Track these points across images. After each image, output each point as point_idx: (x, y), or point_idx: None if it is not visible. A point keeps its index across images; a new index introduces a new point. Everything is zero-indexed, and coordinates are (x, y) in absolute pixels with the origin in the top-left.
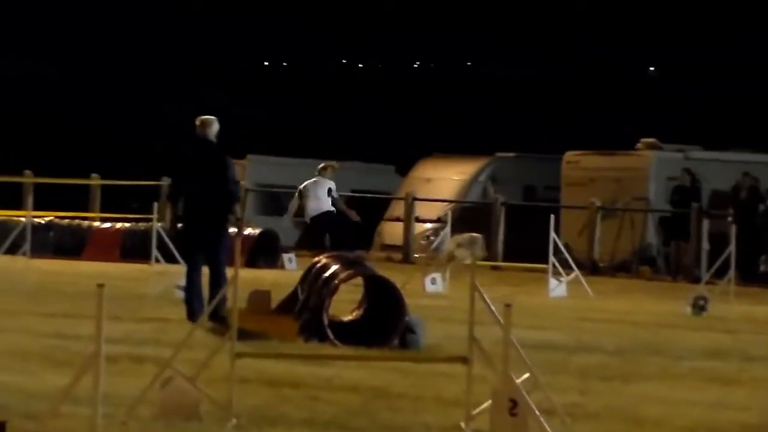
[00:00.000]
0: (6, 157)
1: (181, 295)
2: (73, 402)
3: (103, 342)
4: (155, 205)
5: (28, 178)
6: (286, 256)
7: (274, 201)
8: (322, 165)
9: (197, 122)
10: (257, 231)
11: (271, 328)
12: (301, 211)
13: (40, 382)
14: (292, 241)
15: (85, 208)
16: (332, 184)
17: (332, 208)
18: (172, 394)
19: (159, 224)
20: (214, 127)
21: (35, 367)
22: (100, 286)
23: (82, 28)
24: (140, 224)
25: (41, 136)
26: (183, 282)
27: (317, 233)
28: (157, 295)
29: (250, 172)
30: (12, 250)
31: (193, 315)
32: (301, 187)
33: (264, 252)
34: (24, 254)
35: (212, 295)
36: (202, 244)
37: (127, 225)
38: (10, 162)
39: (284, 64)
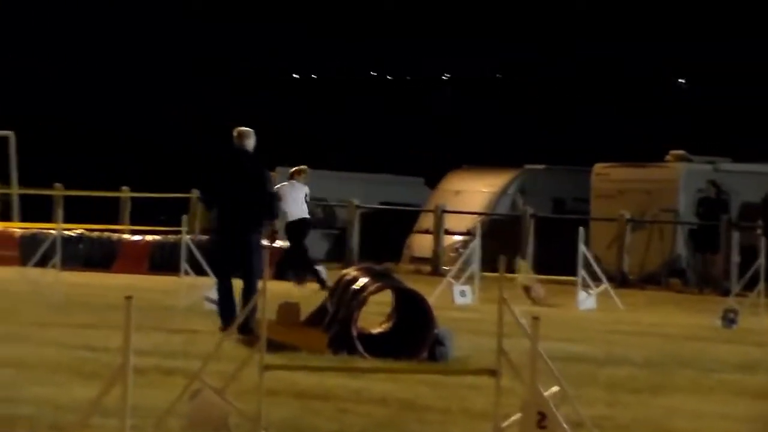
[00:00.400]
0: (36, 170)
1: (210, 307)
2: (102, 414)
3: (131, 354)
4: (184, 217)
5: (59, 191)
6: (316, 269)
7: None
8: (294, 169)
9: (234, 133)
10: (286, 243)
11: (301, 340)
12: None
13: (68, 394)
14: (321, 254)
15: (115, 221)
16: (307, 190)
17: (308, 216)
18: (200, 406)
19: (188, 237)
20: (252, 139)
21: (64, 378)
22: (128, 298)
23: (84, 30)
24: (169, 237)
25: (71, 148)
26: (212, 294)
27: (289, 238)
28: (186, 308)
29: (279, 184)
30: (42, 262)
31: (228, 321)
32: (277, 188)
33: (293, 264)
34: (54, 267)
35: (244, 308)
36: (235, 256)
37: (156, 237)
38: (40, 175)
39: (313, 75)
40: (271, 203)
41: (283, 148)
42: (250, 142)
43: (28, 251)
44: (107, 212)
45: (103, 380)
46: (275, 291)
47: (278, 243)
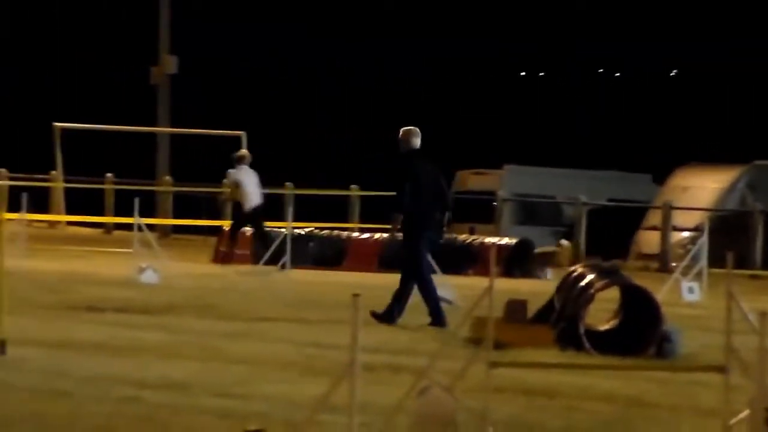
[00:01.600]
0: (269, 170)
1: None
2: (331, 411)
3: (359, 351)
4: None
5: (289, 190)
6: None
7: (530, 211)
8: (241, 154)
9: (405, 132)
10: (513, 240)
11: (528, 338)
12: (231, 198)
13: (299, 391)
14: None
15: (345, 219)
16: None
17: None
18: (428, 403)
19: None
20: (419, 137)
21: (295, 375)
22: (356, 296)
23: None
24: (398, 235)
25: (301, 147)
26: (441, 292)
27: (255, 222)
28: (413, 305)
29: (507, 181)
30: (273, 260)
31: (442, 320)
32: (239, 177)
33: (520, 261)
34: (284, 265)
35: (399, 299)
36: (429, 253)
37: (385, 235)
38: (272, 175)
39: (537, 72)
40: (449, 198)
41: (510, 146)
42: (418, 141)
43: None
44: (337, 211)
45: (332, 377)
46: (502, 288)
47: (504, 240)
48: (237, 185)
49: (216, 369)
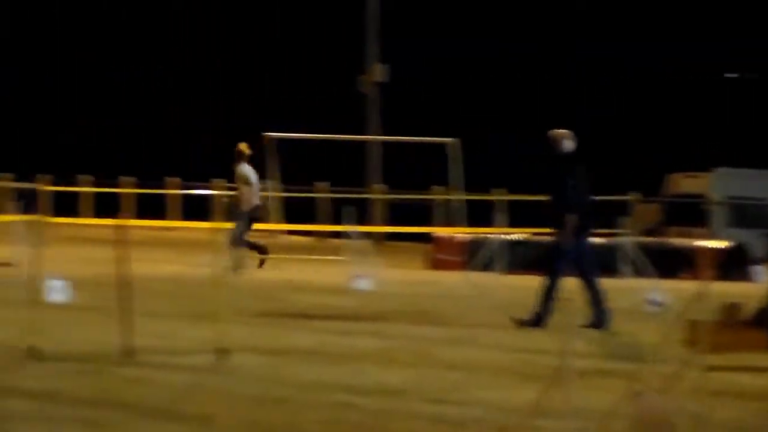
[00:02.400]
0: (476, 175)
1: (652, 309)
2: (545, 416)
3: (570, 356)
4: (625, 219)
5: (500, 195)
6: (755, 268)
7: (741, 213)
8: (245, 149)
9: (558, 135)
10: (728, 244)
11: (742, 341)
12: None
13: (513, 396)
14: (762, 253)
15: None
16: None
17: None
18: (644, 407)
19: (627, 239)
20: (574, 140)
21: (508, 381)
22: (567, 300)
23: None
24: (612, 239)
25: (515, 152)
26: (653, 296)
27: (250, 222)
28: (625, 309)
29: (718, 184)
30: (487, 266)
31: (539, 322)
32: (248, 172)
33: (734, 264)
34: (498, 270)
35: (597, 302)
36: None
37: (599, 240)
38: (480, 181)
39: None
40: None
41: (718, 148)
42: (573, 144)
43: (475, 256)
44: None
45: (545, 382)
46: (716, 292)
47: (717, 244)
48: (248, 182)
49: (430, 375)
